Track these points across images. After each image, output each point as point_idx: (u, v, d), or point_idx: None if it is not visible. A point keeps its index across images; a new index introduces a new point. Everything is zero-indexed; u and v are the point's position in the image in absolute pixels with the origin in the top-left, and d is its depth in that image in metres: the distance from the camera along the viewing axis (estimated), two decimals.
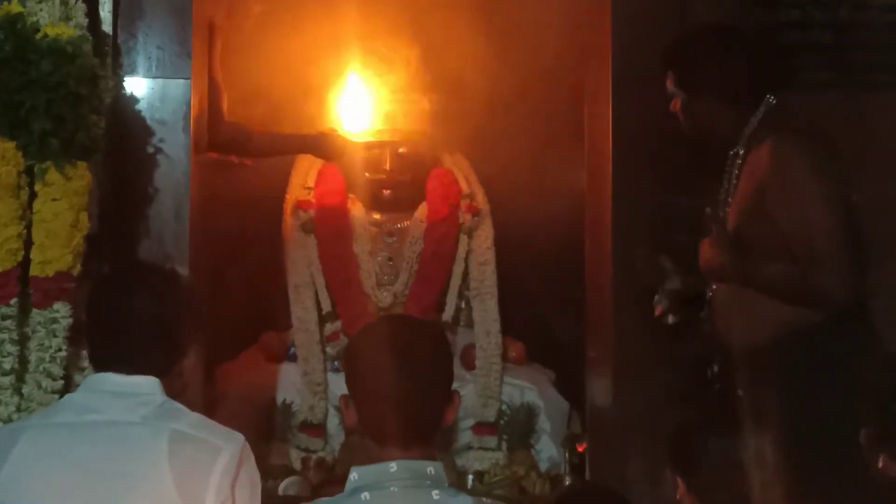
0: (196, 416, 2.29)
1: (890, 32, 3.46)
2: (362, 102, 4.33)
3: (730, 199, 3.10)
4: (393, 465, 2.20)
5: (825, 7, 3.43)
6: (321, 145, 4.08)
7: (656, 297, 3.21)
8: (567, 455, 3.87)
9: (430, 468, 2.22)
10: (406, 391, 2.23)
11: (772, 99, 3.08)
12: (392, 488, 2.18)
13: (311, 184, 4.19)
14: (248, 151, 4.03)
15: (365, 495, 2.18)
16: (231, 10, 3.89)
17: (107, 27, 3.18)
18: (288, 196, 4.18)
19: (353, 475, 2.23)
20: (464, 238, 4.11)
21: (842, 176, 2.98)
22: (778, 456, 2.21)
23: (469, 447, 3.90)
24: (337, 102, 4.33)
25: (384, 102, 4.31)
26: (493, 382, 3.95)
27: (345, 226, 4.09)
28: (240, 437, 2.24)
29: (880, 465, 2.32)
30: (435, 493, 2.18)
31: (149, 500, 2.14)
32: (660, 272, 3.20)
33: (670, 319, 3.21)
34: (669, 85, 3.12)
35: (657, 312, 3.21)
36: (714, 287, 3.13)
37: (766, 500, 2.15)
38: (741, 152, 3.08)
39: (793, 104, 3.13)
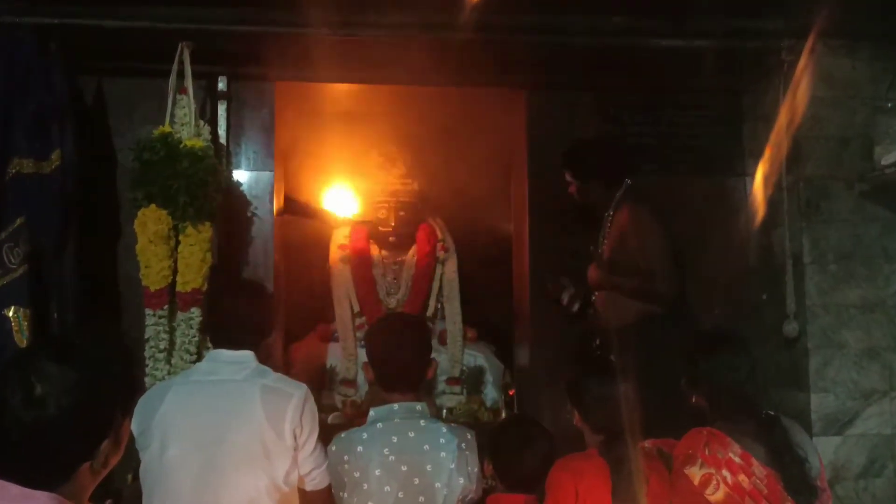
0: (277, 375, 2.23)
1: (688, 139, 3.38)
2: None
3: (604, 241, 3.05)
4: (395, 406, 2.17)
5: (652, 125, 3.36)
6: None
7: (564, 295, 3.15)
8: (503, 397, 3.78)
9: (419, 406, 2.20)
10: (402, 358, 2.17)
11: (629, 181, 3.03)
12: (395, 419, 2.14)
13: (347, 234, 4.05)
14: None
15: (379, 425, 2.14)
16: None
17: (223, 140, 3.12)
18: (332, 241, 4.07)
19: (372, 412, 2.22)
20: (439, 266, 4.01)
21: (667, 225, 2.94)
22: (635, 394, 2.13)
23: (443, 392, 3.80)
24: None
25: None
26: (457, 352, 3.87)
27: (367, 258, 3.99)
28: (304, 387, 2.20)
29: (693, 400, 2.26)
30: (422, 422, 2.14)
31: (249, 427, 2.07)
32: (560, 286, 3.15)
33: (574, 308, 3.12)
34: (567, 177, 3.07)
35: (563, 303, 3.14)
36: (596, 293, 3.07)
37: (628, 420, 2.08)
38: (611, 213, 3.04)
39: (640, 184, 3.09)
